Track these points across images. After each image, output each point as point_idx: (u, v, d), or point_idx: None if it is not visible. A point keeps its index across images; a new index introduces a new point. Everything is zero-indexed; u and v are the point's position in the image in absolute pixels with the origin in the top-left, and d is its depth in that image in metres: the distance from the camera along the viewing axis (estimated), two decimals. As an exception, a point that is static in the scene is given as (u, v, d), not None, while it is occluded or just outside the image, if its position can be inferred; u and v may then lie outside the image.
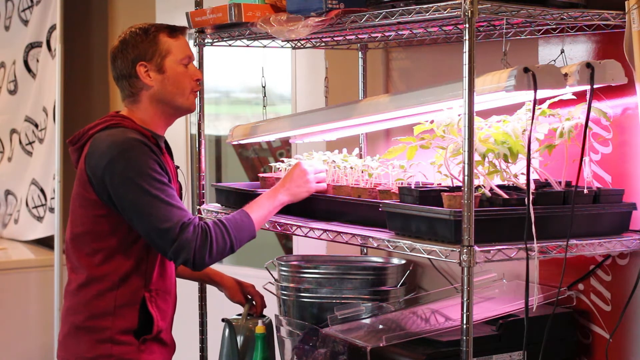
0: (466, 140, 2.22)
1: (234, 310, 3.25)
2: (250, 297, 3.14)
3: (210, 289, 3.29)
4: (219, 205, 3.32)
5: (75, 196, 2.74)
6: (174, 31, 2.78)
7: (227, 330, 3.15)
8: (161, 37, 2.74)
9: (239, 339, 3.15)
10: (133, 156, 2.61)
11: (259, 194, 2.92)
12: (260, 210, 2.78)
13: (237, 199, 3.17)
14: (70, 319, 2.74)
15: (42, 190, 5.29)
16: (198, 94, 2.87)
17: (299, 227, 2.82)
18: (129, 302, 2.70)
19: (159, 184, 2.60)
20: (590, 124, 2.54)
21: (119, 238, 2.67)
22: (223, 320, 3.18)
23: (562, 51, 2.75)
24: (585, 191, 2.48)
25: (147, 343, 2.72)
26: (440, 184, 2.60)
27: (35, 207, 5.36)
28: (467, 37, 2.21)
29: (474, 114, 2.24)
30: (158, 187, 2.59)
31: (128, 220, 2.64)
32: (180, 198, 2.87)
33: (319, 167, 2.92)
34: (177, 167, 2.93)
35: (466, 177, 2.23)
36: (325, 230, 2.73)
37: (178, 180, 2.89)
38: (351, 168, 2.92)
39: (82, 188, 2.70)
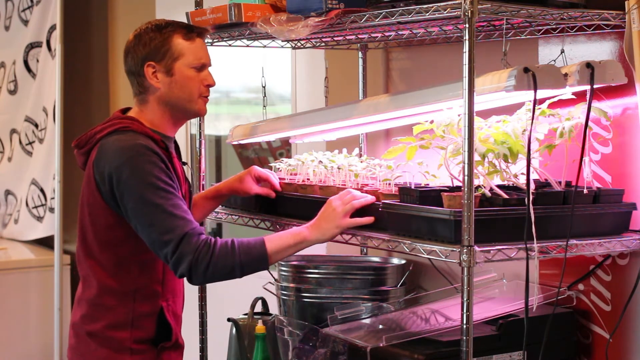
0: (466, 140, 2.22)
1: (235, 310, 3.25)
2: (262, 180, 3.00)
3: (211, 290, 3.29)
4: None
5: (84, 204, 2.65)
6: (190, 32, 2.66)
7: (233, 330, 3.16)
8: (175, 39, 2.64)
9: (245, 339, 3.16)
10: (139, 164, 2.52)
11: (259, 194, 2.91)
12: (280, 241, 2.57)
13: (237, 199, 3.16)
14: (86, 328, 2.65)
15: (42, 190, 5.29)
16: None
17: (299, 227, 2.81)
18: (147, 313, 2.63)
19: (163, 192, 2.51)
20: (590, 124, 2.54)
21: (130, 247, 2.59)
22: (229, 320, 3.18)
23: (562, 51, 2.75)
24: (585, 191, 2.48)
25: (165, 351, 2.66)
26: (428, 184, 2.59)
27: (35, 207, 5.36)
28: (467, 37, 2.21)
29: (474, 114, 2.23)
30: (162, 196, 2.50)
31: (134, 228, 2.56)
32: (190, 197, 2.81)
33: (348, 197, 2.61)
34: (185, 164, 2.81)
35: (466, 177, 2.23)
36: (325, 230, 2.72)
37: (187, 179, 2.79)
38: (339, 169, 2.88)
39: (91, 195, 2.61)
